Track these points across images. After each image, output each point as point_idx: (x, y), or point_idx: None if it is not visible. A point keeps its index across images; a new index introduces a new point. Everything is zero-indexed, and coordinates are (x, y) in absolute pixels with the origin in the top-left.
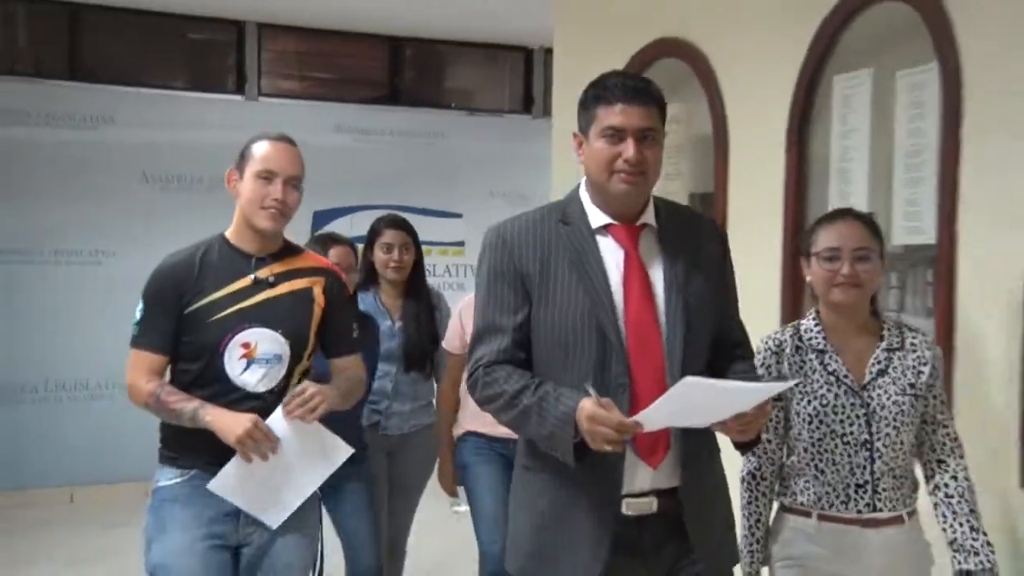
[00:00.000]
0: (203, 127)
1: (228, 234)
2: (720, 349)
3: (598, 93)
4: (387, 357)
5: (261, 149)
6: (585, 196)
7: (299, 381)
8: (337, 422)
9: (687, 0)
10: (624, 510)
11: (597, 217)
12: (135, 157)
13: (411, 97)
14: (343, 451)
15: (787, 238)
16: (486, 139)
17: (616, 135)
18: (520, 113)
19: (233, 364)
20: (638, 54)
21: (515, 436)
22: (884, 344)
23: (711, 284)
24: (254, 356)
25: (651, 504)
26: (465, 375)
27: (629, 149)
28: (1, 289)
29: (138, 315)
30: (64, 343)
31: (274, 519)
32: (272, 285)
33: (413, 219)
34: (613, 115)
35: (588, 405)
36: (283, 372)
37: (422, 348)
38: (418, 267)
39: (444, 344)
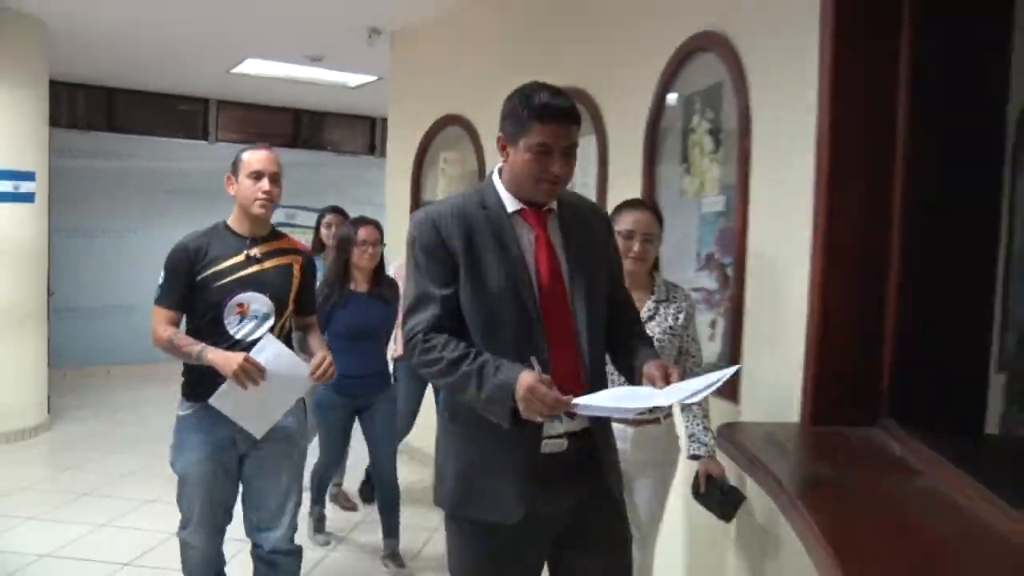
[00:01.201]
0: (187, 159)
1: (229, 222)
2: (619, 321)
3: (533, 111)
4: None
5: (250, 156)
6: (499, 184)
7: (279, 334)
8: (372, 358)
9: (463, 93)
10: (542, 449)
11: (511, 202)
12: (149, 176)
13: (306, 143)
14: (305, 374)
15: None
16: (347, 168)
17: (546, 152)
18: (368, 154)
19: (231, 318)
20: (433, 124)
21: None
22: (654, 297)
23: (603, 262)
24: (247, 313)
25: (563, 444)
26: (401, 338)
27: (556, 165)
28: (70, 252)
29: (161, 280)
30: (108, 281)
31: (259, 430)
32: (260, 261)
33: (305, 215)
34: (545, 134)
35: (529, 378)
36: (268, 326)
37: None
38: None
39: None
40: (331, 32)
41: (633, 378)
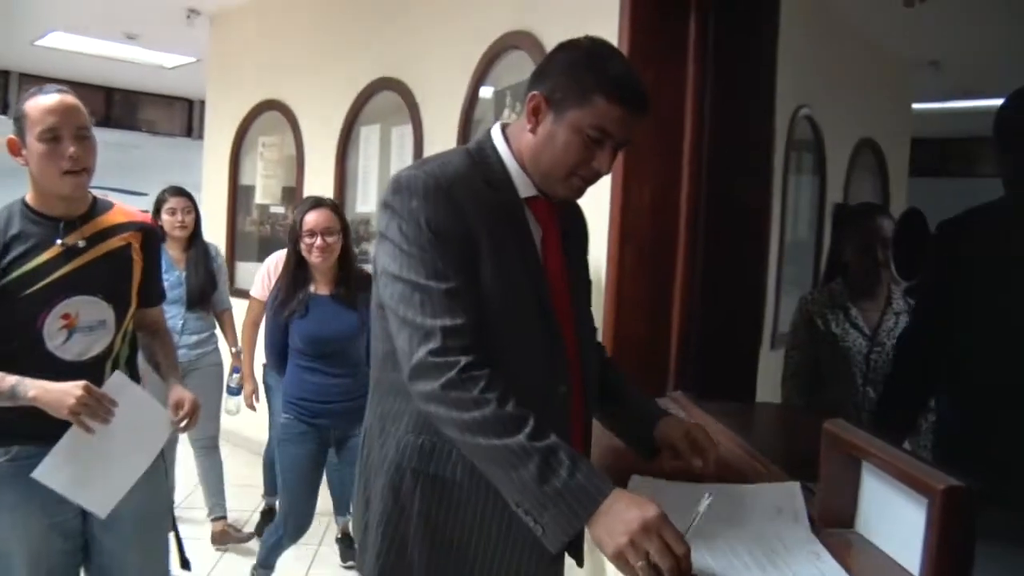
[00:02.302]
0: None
1: (28, 199)
2: None
3: (604, 82)
4: (175, 301)
5: (36, 105)
6: (507, 155)
7: (122, 343)
8: (343, 376)
9: (282, 78)
10: None
11: (525, 185)
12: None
13: (118, 123)
14: (167, 425)
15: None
16: (163, 150)
17: (600, 140)
18: (186, 136)
19: (53, 337)
20: (252, 108)
21: None
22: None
23: (586, 268)
24: (76, 325)
25: None
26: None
27: (606, 159)
28: None
29: None
30: None
31: (104, 506)
32: (84, 250)
33: (116, 196)
34: (611, 118)
35: (652, 508)
36: (109, 337)
37: (203, 291)
38: (196, 225)
39: (251, 291)
40: (148, 10)
41: (628, 433)
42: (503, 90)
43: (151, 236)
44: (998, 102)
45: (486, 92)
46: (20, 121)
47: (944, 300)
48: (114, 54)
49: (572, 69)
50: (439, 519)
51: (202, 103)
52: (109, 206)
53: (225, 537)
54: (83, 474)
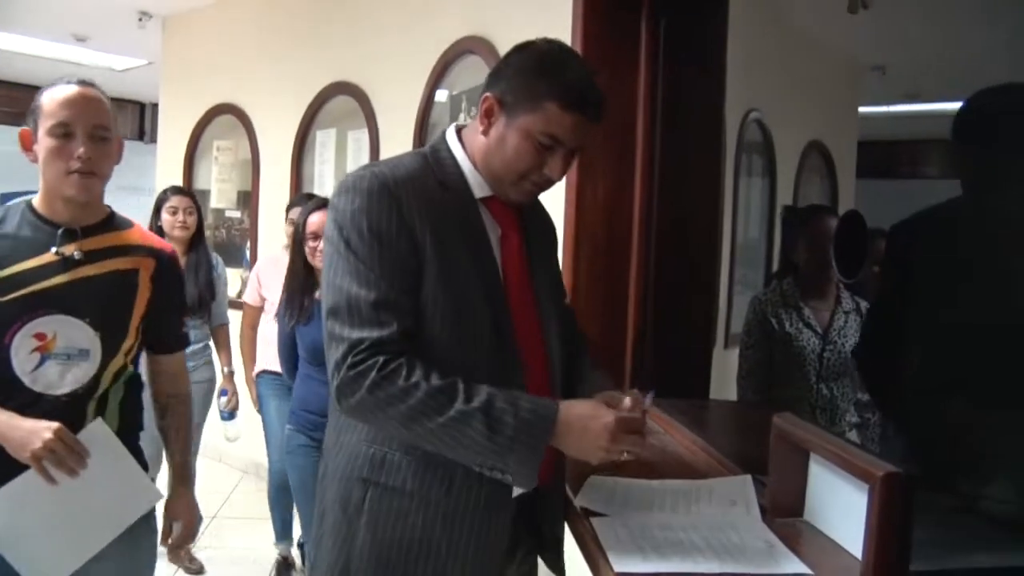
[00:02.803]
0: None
1: (35, 202)
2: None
3: (556, 87)
4: None
5: (53, 97)
6: (461, 155)
7: (113, 382)
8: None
9: (236, 82)
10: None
11: (479, 185)
12: None
13: None
14: (151, 495)
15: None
16: None
17: (551, 146)
18: (137, 140)
19: (22, 359)
20: (206, 112)
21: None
22: None
23: (555, 265)
24: (51, 350)
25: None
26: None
27: (557, 166)
28: None
29: None
30: None
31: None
32: (81, 263)
33: None
34: (562, 125)
35: (604, 410)
36: (92, 371)
37: (201, 298)
38: (199, 229)
39: (244, 297)
40: (98, 13)
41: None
42: (459, 94)
43: (169, 267)
44: (941, 106)
45: (441, 96)
46: (34, 112)
47: (894, 304)
48: (63, 56)
49: (525, 73)
50: (387, 529)
51: (154, 106)
52: (128, 225)
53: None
54: (28, 529)
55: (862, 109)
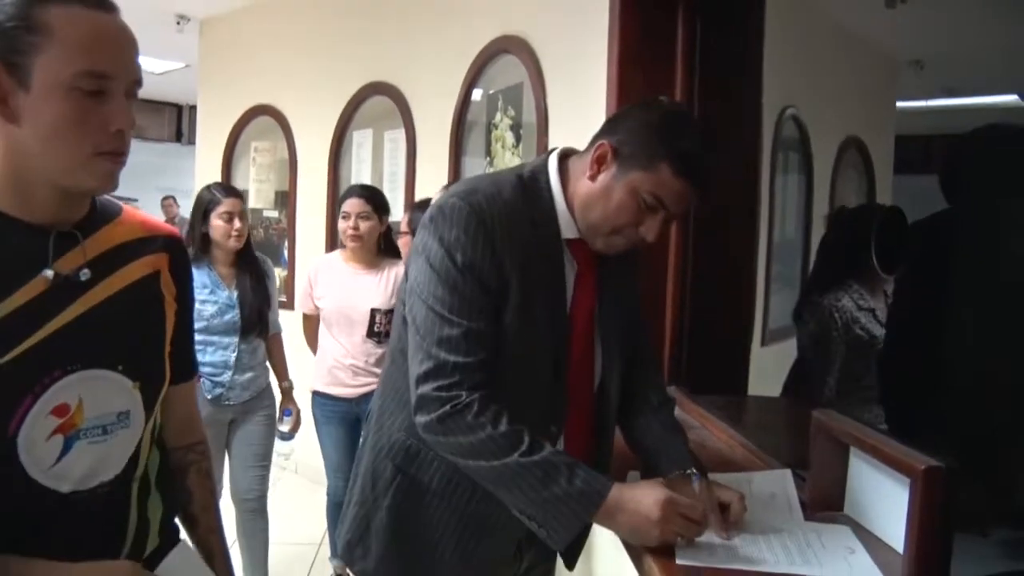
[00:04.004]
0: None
1: None
2: (634, 380)
3: (672, 152)
4: (227, 329)
5: (74, 18)
6: (559, 196)
7: (151, 449)
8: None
9: (274, 83)
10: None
11: (569, 226)
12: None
13: None
14: None
15: (329, 212)
16: (153, 155)
17: (655, 208)
18: (175, 142)
19: (39, 453)
20: (244, 114)
21: (356, 393)
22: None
23: (635, 308)
24: (78, 426)
25: None
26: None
27: (654, 228)
28: None
29: None
30: None
31: None
32: (89, 284)
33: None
34: (670, 189)
35: (659, 491)
36: (136, 439)
37: (260, 314)
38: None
39: (299, 308)
40: (136, 17)
41: (648, 475)
42: (495, 93)
43: (181, 256)
44: (979, 100)
45: (477, 95)
46: (28, 34)
47: (914, 299)
48: None
49: (646, 129)
50: (405, 518)
51: (191, 108)
52: (117, 210)
53: None
54: None
55: (900, 104)
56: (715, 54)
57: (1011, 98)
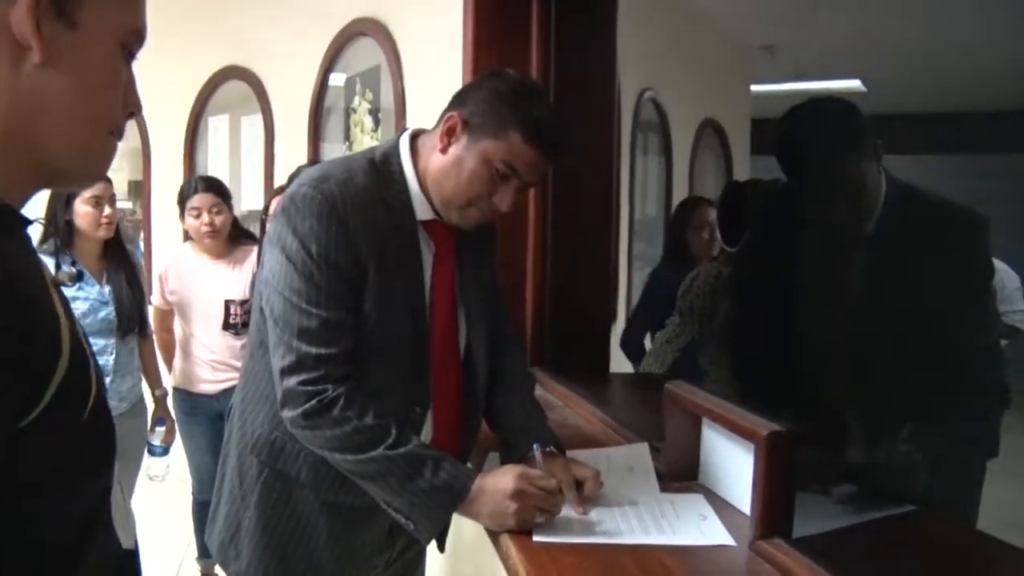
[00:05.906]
0: None
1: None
2: (493, 359)
3: (521, 120)
4: (101, 329)
5: None
6: (411, 177)
7: None
8: None
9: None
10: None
11: (423, 207)
12: None
13: None
14: None
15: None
16: None
17: (507, 176)
18: None
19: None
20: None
21: (216, 388)
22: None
23: (493, 282)
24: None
25: None
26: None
27: (507, 197)
28: None
29: None
30: None
31: None
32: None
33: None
34: (522, 156)
35: (515, 468)
36: None
37: (140, 308)
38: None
39: (152, 299)
40: None
41: (508, 455)
42: (353, 77)
43: None
44: (826, 84)
45: (336, 80)
46: None
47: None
48: None
49: (495, 98)
50: (275, 513)
51: None
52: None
53: None
54: None
55: (754, 88)
56: (570, 35)
57: (855, 83)
